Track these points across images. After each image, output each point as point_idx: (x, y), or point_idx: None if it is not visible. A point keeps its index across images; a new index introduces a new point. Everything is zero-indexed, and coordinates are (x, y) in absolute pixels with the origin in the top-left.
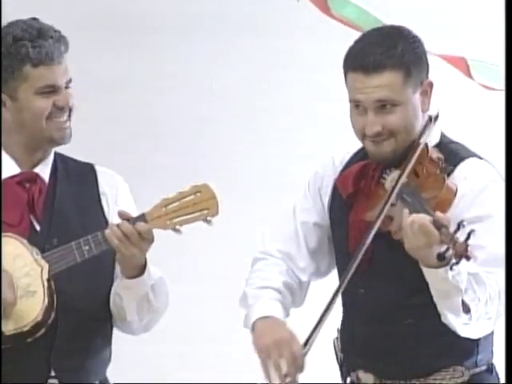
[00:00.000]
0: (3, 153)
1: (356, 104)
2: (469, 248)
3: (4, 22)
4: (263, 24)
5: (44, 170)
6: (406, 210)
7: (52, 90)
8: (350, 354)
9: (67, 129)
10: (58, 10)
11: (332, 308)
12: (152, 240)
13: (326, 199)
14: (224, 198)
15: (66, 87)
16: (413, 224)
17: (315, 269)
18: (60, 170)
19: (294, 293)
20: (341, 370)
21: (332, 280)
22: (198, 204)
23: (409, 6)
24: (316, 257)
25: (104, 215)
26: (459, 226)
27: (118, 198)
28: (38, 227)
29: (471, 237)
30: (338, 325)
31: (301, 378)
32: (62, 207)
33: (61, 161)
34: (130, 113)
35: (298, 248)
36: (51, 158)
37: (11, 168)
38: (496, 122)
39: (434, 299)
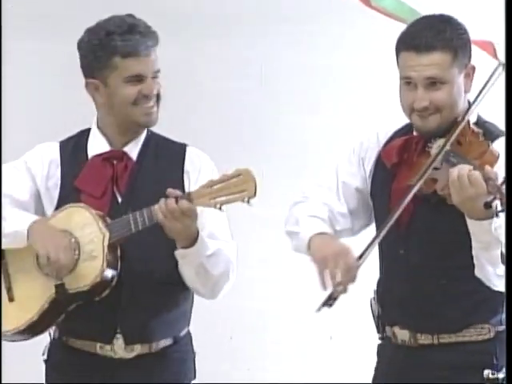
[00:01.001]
0: (97, 131)
1: (407, 81)
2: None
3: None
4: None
5: (133, 149)
6: (455, 167)
7: (138, 79)
8: (388, 310)
9: (153, 114)
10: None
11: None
12: (195, 217)
13: (369, 169)
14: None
15: (153, 77)
16: (462, 176)
17: (350, 225)
18: (150, 149)
19: (335, 229)
20: (377, 325)
21: None
22: (239, 186)
23: None
24: (352, 216)
25: (184, 192)
26: (505, 180)
27: (200, 177)
28: (119, 199)
29: None
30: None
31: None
32: (145, 182)
33: (153, 140)
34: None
35: (339, 201)
36: (142, 137)
37: (103, 146)
38: None
39: (475, 253)
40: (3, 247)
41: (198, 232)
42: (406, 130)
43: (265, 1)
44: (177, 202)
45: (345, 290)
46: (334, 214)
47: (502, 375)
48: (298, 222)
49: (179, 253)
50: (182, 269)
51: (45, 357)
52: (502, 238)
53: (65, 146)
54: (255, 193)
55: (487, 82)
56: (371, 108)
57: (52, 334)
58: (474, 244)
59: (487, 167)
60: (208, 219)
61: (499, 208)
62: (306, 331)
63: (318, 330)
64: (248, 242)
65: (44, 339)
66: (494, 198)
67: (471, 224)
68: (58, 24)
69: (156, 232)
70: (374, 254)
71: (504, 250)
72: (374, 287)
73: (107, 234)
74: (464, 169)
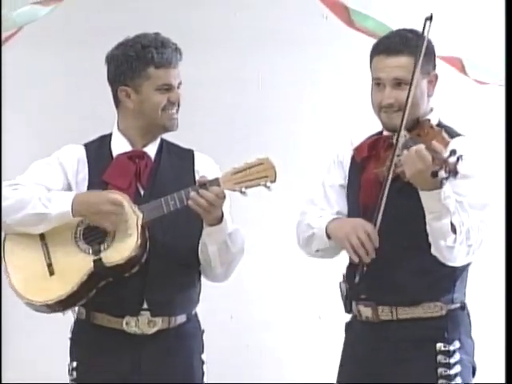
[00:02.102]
0: (119, 133)
1: (377, 82)
2: (457, 166)
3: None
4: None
5: (151, 150)
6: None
7: (168, 87)
8: (354, 288)
9: (176, 119)
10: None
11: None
12: (224, 198)
13: (347, 169)
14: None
15: (178, 87)
16: (411, 152)
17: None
18: (164, 151)
19: None
20: (345, 304)
21: None
22: (261, 172)
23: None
24: (342, 212)
25: (195, 185)
26: (451, 152)
27: (209, 176)
28: (142, 192)
29: (459, 160)
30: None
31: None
32: (163, 178)
33: (166, 144)
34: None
35: (329, 203)
36: (158, 141)
37: (125, 146)
38: (487, 113)
39: (428, 227)
40: (49, 228)
41: (222, 213)
42: (375, 134)
43: (263, 18)
44: (207, 186)
45: (373, 253)
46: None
47: (452, 348)
48: (310, 226)
49: (207, 231)
50: (207, 247)
51: (70, 335)
52: (451, 208)
53: (89, 147)
54: (275, 178)
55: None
56: (358, 111)
57: (76, 315)
58: (427, 216)
59: (433, 142)
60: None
61: (445, 175)
62: (296, 311)
63: (307, 310)
64: (248, 229)
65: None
66: (440, 168)
67: (423, 196)
68: (57, 34)
69: (180, 218)
70: None
71: (453, 220)
72: (343, 271)
73: (140, 215)
74: (414, 147)
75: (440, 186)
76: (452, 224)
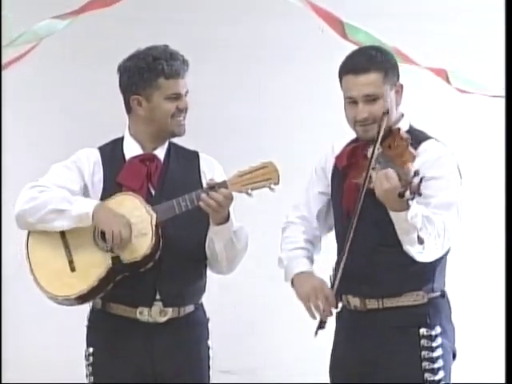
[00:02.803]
0: (131, 138)
1: (350, 100)
2: (421, 187)
3: None
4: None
5: (161, 153)
6: (378, 167)
7: (176, 96)
8: (343, 281)
9: (183, 125)
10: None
11: (347, 248)
12: (231, 199)
13: (329, 175)
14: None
15: (185, 95)
16: (380, 174)
17: (323, 225)
18: (172, 154)
19: (315, 245)
20: (335, 295)
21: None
22: (266, 175)
23: (405, 30)
24: (323, 216)
25: (202, 186)
26: (414, 173)
27: (214, 175)
28: (153, 192)
29: (422, 181)
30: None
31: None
32: (171, 179)
33: (173, 147)
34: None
35: (309, 211)
36: (166, 144)
37: (136, 150)
38: (467, 119)
39: (398, 235)
40: (68, 228)
41: (229, 212)
42: (354, 140)
43: (263, 30)
44: (216, 189)
45: (330, 314)
46: (310, 222)
47: (434, 332)
48: (282, 262)
49: (214, 229)
50: (214, 244)
51: (86, 323)
52: (418, 225)
53: (103, 150)
54: (278, 180)
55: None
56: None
57: (92, 305)
58: (396, 230)
59: (405, 167)
60: None
61: (410, 196)
62: (295, 301)
63: None
64: (251, 222)
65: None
66: (406, 190)
67: (392, 215)
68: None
69: (189, 218)
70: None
71: (420, 234)
72: (332, 266)
73: (154, 216)
74: (382, 171)
75: (407, 207)
76: (419, 237)
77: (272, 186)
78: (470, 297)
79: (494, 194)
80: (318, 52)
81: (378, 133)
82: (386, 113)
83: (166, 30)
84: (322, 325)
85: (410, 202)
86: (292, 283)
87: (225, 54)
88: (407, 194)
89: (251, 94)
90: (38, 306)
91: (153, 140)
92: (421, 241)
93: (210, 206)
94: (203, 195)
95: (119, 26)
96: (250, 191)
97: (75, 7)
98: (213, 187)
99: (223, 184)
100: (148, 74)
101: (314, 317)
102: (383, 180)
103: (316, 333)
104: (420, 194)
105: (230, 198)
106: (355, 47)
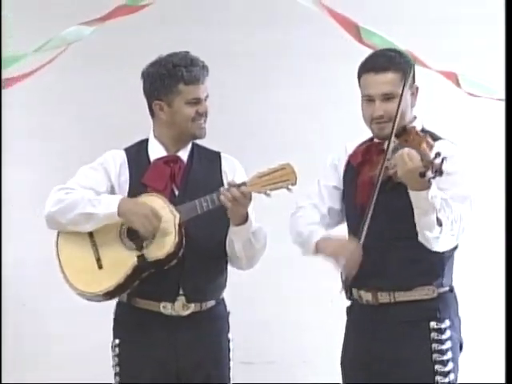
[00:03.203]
0: (155, 140)
1: (367, 98)
2: (442, 167)
3: None
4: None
5: (184, 154)
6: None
7: (196, 101)
8: (355, 275)
9: (204, 128)
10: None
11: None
12: (250, 199)
13: (341, 172)
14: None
15: (205, 99)
16: (402, 153)
17: (332, 218)
18: (195, 155)
19: (326, 228)
20: (346, 290)
21: None
22: (284, 176)
23: (417, 33)
24: (333, 209)
25: (223, 186)
26: (436, 155)
27: (235, 175)
28: (176, 192)
29: (444, 162)
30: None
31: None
32: (195, 180)
33: (196, 148)
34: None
35: (322, 200)
36: (189, 146)
37: (160, 152)
38: (476, 122)
39: (416, 219)
40: (97, 228)
41: (248, 213)
42: (367, 141)
43: (282, 34)
44: (236, 188)
45: (355, 270)
46: (320, 209)
47: (443, 326)
48: (301, 234)
49: (233, 229)
50: (233, 243)
51: (113, 315)
52: (437, 205)
53: (129, 152)
54: (296, 181)
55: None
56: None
57: (118, 299)
58: (415, 211)
59: (422, 146)
60: None
61: (431, 175)
62: (310, 296)
63: (320, 295)
64: (269, 221)
65: None
66: (427, 169)
67: (412, 195)
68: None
69: (211, 218)
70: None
71: (439, 216)
72: None
73: (177, 215)
74: (405, 149)
75: (427, 186)
76: (438, 218)
77: (289, 186)
78: (470, 297)
79: (501, 193)
80: (335, 55)
81: (394, 122)
82: (400, 106)
83: (187, 34)
84: (347, 282)
85: (432, 181)
86: (316, 248)
87: (244, 58)
88: (429, 173)
89: (271, 97)
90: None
91: (175, 142)
92: (439, 222)
93: (229, 200)
94: (224, 191)
95: (140, 31)
96: (268, 192)
97: (73, 7)
98: (233, 187)
99: (243, 184)
100: (169, 80)
101: (343, 271)
102: (406, 159)
103: (341, 290)
104: (442, 173)
105: (248, 198)
106: (370, 50)
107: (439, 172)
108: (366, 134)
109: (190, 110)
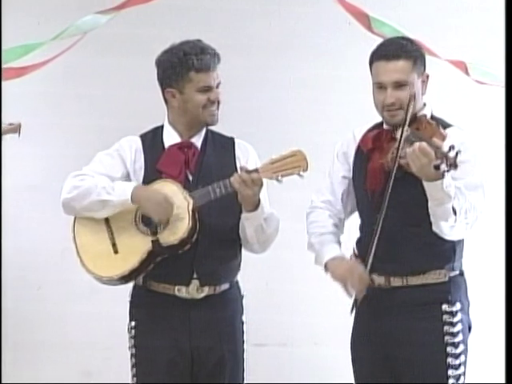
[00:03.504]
0: (169, 126)
1: (379, 85)
2: (457, 160)
3: None
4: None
5: (198, 140)
6: (408, 146)
7: (207, 89)
8: (367, 260)
9: (216, 115)
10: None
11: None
12: (261, 186)
13: (351, 160)
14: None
15: (217, 87)
16: (415, 149)
17: (345, 209)
18: (209, 141)
19: (340, 228)
20: (354, 309)
21: None
22: (295, 163)
23: (424, 23)
24: (345, 200)
25: (237, 171)
26: (450, 148)
27: (248, 161)
28: (190, 178)
29: (458, 154)
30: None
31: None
32: (208, 165)
33: (210, 134)
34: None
35: (334, 196)
36: (203, 132)
37: (175, 138)
38: (485, 111)
39: (431, 211)
40: (111, 214)
41: (259, 200)
42: (377, 126)
43: (294, 25)
44: (248, 174)
45: (363, 292)
46: (334, 206)
47: (455, 308)
48: (313, 246)
49: (245, 215)
50: (245, 229)
51: (130, 298)
52: (452, 194)
53: (144, 138)
54: (307, 168)
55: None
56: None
57: (135, 282)
58: (430, 203)
59: (434, 139)
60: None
61: (446, 168)
62: (321, 278)
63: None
64: (280, 206)
65: None
66: (442, 162)
67: (427, 186)
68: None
69: (224, 204)
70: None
71: (454, 204)
72: (353, 245)
73: (191, 201)
74: (417, 144)
75: (442, 176)
76: (453, 207)
77: (301, 173)
78: (470, 297)
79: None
80: (344, 43)
81: (407, 111)
82: (413, 96)
83: (199, 20)
84: (356, 303)
85: (446, 174)
86: (325, 267)
87: (256, 45)
88: (443, 166)
89: (280, 84)
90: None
91: (189, 129)
92: (454, 211)
93: (241, 186)
94: (231, 179)
95: (155, 19)
96: (279, 178)
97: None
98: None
99: (255, 171)
100: (180, 68)
101: (351, 295)
102: (419, 154)
103: (352, 311)
104: (456, 166)
105: (258, 184)
106: (380, 39)
107: (454, 165)
108: (375, 118)
109: (201, 98)
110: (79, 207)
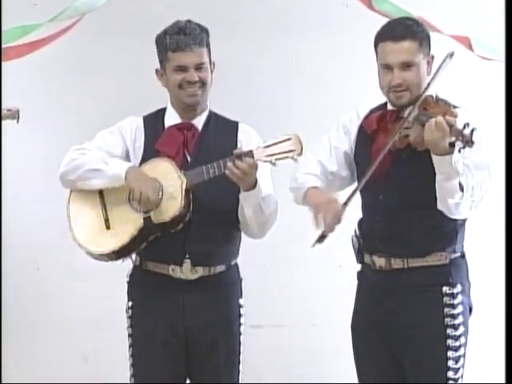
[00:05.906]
0: (171, 107)
1: (385, 67)
2: (472, 137)
3: None
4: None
5: (199, 122)
6: (417, 125)
7: (182, 68)
8: (369, 241)
9: (197, 96)
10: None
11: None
12: (256, 169)
13: (352, 137)
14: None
15: (197, 68)
16: (431, 122)
17: (338, 181)
18: (212, 123)
19: (327, 182)
20: (357, 255)
21: None
22: (290, 147)
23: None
24: (340, 174)
25: None
26: (465, 125)
27: (250, 145)
28: (189, 159)
29: (473, 132)
30: None
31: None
32: (207, 147)
33: (214, 117)
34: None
35: (329, 158)
36: (205, 113)
37: (175, 119)
38: (489, 87)
39: (438, 186)
40: (104, 187)
41: (256, 179)
42: (380, 107)
43: (291, 4)
44: (242, 158)
45: (332, 230)
46: (327, 171)
47: (455, 290)
48: (297, 180)
49: (243, 195)
50: (243, 209)
51: (128, 279)
52: (460, 170)
53: (147, 118)
54: (302, 152)
55: (438, 69)
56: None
57: (133, 262)
58: (437, 177)
59: (448, 117)
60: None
61: (461, 145)
62: (319, 261)
63: (329, 260)
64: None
65: None
66: (456, 139)
67: (436, 159)
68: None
69: (219, 182)
70: (357, 202)
71: (461, 180)
72: (355, 226)
73: (185, 180)
74: (434, 119)
75: (451, 151)
76: (460, 183)
77: (295, 157)
78: (471, 279)
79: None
80: (343, 23)
81: (427, 88)
82: (452, 54)
83: (197, 5)
84: (321, 238)
85: (461, 151)
86: (304, 196)
87: (253, 26)
88: (458, 143)
89: (279, 64)
90: None
91: (186, 109)
92: (461, 187)
93: (234, 174)
94: (229, 164)
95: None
96: (273, 161)
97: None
98: (239, 156)
99: (249, 153)
100: (160, 48)
101: (318, 227)
102: (434, 128)
103: (314, 245)
104: (473, 143)
105: (254, 167)
106: (380, 17)
107: (470, 142)
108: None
109: (177, 77)
110: (74, 178)
